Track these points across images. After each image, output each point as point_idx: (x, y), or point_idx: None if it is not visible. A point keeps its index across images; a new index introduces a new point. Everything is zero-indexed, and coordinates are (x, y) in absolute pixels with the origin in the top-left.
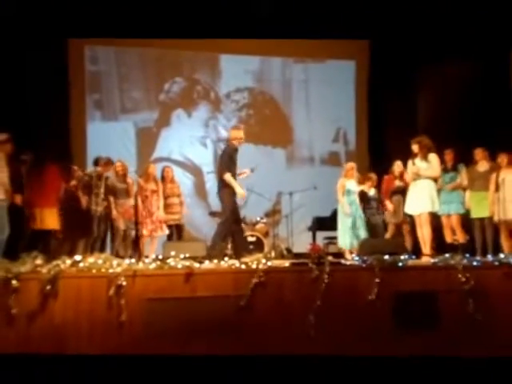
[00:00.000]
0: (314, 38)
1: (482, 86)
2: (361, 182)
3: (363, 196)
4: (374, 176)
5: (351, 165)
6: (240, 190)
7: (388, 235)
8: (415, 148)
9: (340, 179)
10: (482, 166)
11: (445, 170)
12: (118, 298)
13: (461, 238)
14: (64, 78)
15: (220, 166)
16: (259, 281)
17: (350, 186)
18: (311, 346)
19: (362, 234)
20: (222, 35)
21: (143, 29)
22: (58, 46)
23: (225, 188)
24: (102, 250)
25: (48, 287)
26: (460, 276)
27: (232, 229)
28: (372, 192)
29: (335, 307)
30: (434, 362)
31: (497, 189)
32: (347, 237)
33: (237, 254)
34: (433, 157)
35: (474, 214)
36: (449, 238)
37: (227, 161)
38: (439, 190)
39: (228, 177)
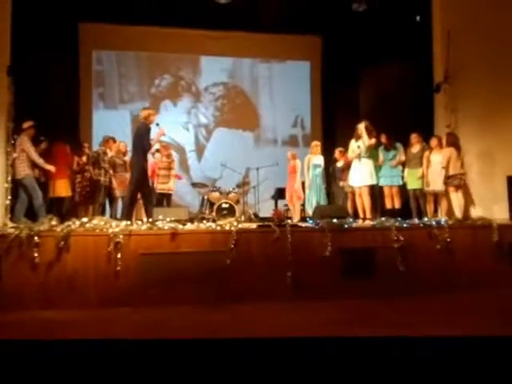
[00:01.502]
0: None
1: (410, 82)
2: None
3: (330, 168)
4: (339, 148)
5: (316, 143)
6: (159, 135)
7: (349, 202)
8: (361, 129)
9: (307, 155)
10: (415, 148)
11: (386, 149)
12: (116, 252)
13: (398, 204)
14: (75, 76)
15: (134, 143)
16: (233, 239)
17: (314, 161)
18: (276, 292)
19: (323, 201)
20: (186, 24)
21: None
22: (72, 52)
23: (136, 159)
24: (104, 213)
25: (62, 243)
26: (393, 235)
27: (143, 191)
28: (340, 164)
29: (294, 260)
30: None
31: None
32: (310, 205)
33: (148, 212)
34: (373, 140)
35: (409, 186)
36: (388, 205)
37: (140, 140)
38: (381, 166)
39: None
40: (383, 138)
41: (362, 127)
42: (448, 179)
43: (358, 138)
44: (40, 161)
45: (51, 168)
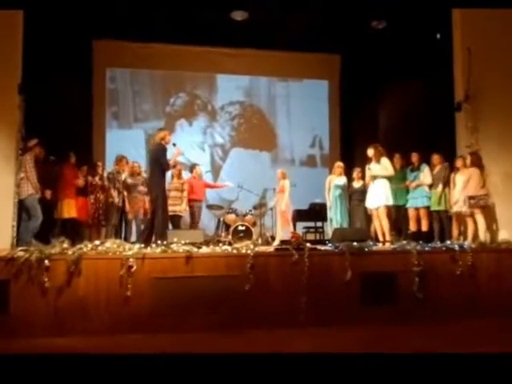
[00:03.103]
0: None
1: (431, 101)
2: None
3: (349, 189)
4: (357, 169)
5: (338, 164)
6: (177, 155)
7: (372, 224)
8: (370, 152)
9: (328, 176)
10: (436, 169)
11: (412, 170)
12: (129, 276)
13: (424, 226)
14: (89, 95)
15: (152, 164)
16: (249, 263)
17: (336, 182)
18: (294, 318)
19: (345, 224)
20: (208, 43)
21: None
22: (85, 69)
23: (154, 180)
24: (117, 235)
25: (73, 267)
26: (413, 259)
27: (159, 213)
28: (358, 185)
29: (313, 285)
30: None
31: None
32: (332, 226)
33: (155, 236)
34: (384, 160)
35: (432, 208)
36: (413, 228)
37: (159, 160)
38: (407, 189)
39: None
40: (414, 158)
41: (372, 149)
42: (470, 200)
43: (370, 161)
44: (36, 184)
45: (47, 195)
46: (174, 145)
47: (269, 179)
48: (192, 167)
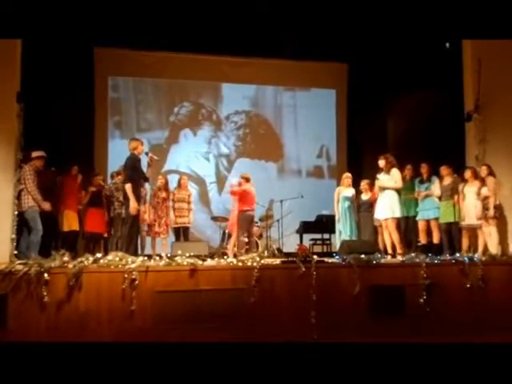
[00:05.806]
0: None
1: (440, 111)
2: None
3: (357, 201)
4: (365, 180)
5: (347, 174)
6: (133, 204)
7: (379, 237)
8: (381, 163)
9: (337, 188)
10: (447, 180)
11: (421, 182)
12: (132, 290)
13: (436, 239)
14: (90, 104)
15: (124, 176)
16: (255, 276)
17: (344, 193)
18: (300, 332)
19: (354, 236)
20: (213, 51)
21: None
22: (87, 78)
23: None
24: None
25: (73, 280)
26: (422, 272)
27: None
28: (366, 196)
29: (320, 298)
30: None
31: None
32: (342, 239)
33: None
34: (395, 171)
35: (441, 220)
36: (423, 240)
37: (131, 172)
38: (416, 200)
39: (128, 188)
40: (424, 169)
41: (383, 159)
42: (492, 211)
43: (381, 171)
44: (37, 196)
45: (47, 207)
46: (147, 154)
47: (275, 190)
48: (247, 177)
